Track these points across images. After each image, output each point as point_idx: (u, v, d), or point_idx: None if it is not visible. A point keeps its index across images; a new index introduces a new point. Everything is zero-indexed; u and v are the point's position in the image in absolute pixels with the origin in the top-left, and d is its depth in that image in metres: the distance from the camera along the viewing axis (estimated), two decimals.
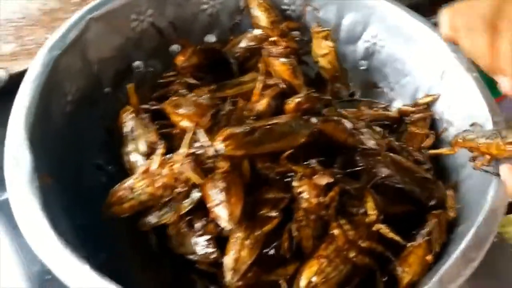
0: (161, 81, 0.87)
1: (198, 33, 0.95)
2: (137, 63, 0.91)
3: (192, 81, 0.85)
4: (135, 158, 0.76)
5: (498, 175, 0.67)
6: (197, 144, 0.69)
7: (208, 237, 0.69)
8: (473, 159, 0.71)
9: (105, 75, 0.86)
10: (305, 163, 0.71)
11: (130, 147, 0.77)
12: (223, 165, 0.66)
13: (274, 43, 0.86)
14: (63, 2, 1.10)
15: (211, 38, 0.96)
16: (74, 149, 0.78)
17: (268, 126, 0.70)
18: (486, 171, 0.69)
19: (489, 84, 0.78)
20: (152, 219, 0.71)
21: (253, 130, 0.68)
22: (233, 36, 0.93)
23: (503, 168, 0.66)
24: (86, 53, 0.82)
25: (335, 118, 0.77)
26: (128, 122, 0.79)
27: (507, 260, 0.86)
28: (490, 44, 0.64)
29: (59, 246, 0.59)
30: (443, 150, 0.79)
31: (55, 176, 0.70)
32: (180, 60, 0.87)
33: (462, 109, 0.82)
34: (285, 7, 0.95)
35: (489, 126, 0.75)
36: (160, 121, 0.79)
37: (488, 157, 0.69)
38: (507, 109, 0.85)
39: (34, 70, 0.74)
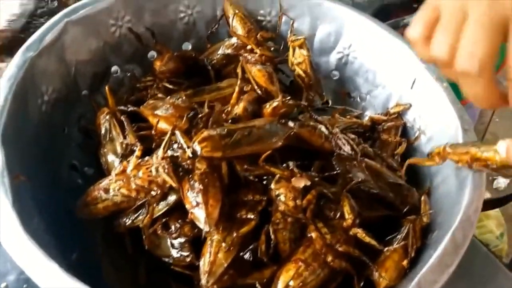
0: (138, 85, 0.83)
1: (176, 40, 0.91)
2: (115, 67, 0.87)
3: (169, 86, 0.81)
4: (112, 159, 0.72)
5: None
6: (175, 146, 0.64)
7: (183, 239, 0.66)
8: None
9: (82, 78, 0.82)
10: (283, 165, 0.68)
11: (107, 148, 0.74)
12: (201, 167, 0.62)
13: (251, 51, 0.83)
14: None
15: (188, 46, 0.92)
16: (49, 149, 0.74)
17: (245, 129, 0.66)
18: None
19: (454, 88, 0.75)
20: (127, 220, 0.67)
21: (231, 133, 0.65)
22: (210, 44, 0.90)
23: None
24: (64, 55, 0.78)
25: (312, 123, 0.74)
26: (105, 123, 0.75)
27: (482, 259, 0.83)
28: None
29: (29, 244, 0.55)
30: (424, 161, 0.75)
31: (29, 175, 0.65)
32: (157, 65, 0.84)
33: (433, 118, 0.80)
34: (261, 18, 0.92)
35: (459, 134, 0.72)
36: (138, 123, 0.75)
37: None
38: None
39: (9, 70, 0.70)
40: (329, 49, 0.92)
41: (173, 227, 0.66)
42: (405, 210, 0.73)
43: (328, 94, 0.95)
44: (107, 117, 0.75)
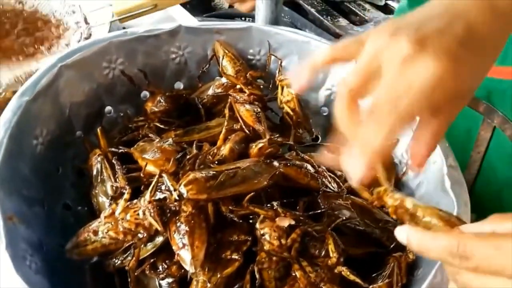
0: (131, 125, 0.84)
1: (169, 80, 0.92)
2: (108, 107, 0.88)
3: (160, 125, 0.82)
4: (103, 200, 0.73)
5: None
6: (162, 187, 0.64)
7: (171, 280, 0.66)
8: None
9: (76, 119, 0.83)
10: (268, 205, 0.68)
11: (98, 189, 0.74)
12: (186, 209, 0.62)
13: (240, 90, 0.83)
14: None
15: (180, 85, 0.93)
16: (44, 189, 0.75)
17: (230, 171, 0.67)
18: None
19: None
20: (117, 261, 0.67)
21: (216, 175, 0.65)
22: (201, 83, 0.90)
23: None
24: (58, 98, 0.79)
25: (297, 162, 0.74)
26: (97, 164, 0.75)
27: None
28: None
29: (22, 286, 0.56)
30: (363, 192, 0.74)
31: (22, 216, 0.66)
32: (148, 106, 0.84)
33: None
34: (250, 57, 0.92)
35: (444, 171, 0.72)
36: (129, 165, 0.75)
37: None
38: None
39: (5, 115, 0.72)
40: (318, 86, 0.92)
41: (160, 267, 0.66)
42: (391, 246, 0.72)
43: (318, 130, 0.95)
44: (99, 158, 0.75)
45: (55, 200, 0.77)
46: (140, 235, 0.62)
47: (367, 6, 1.82)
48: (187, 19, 1.27)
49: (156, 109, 0.83)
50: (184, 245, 0.61)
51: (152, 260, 0.66)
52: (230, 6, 1.82)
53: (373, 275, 0.69)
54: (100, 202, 0.73)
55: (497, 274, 0.45)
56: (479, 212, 1.04)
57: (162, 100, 0.83)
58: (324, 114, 0.94)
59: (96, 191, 0.74)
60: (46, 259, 0.66)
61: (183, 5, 1.27)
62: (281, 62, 0.89)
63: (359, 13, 1.79)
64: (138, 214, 0.62)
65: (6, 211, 0.63)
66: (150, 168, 0.69)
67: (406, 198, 0.66)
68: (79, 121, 0.83)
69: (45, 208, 0.74)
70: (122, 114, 0.87)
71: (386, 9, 1.83)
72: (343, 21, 1.74)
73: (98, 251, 0.66)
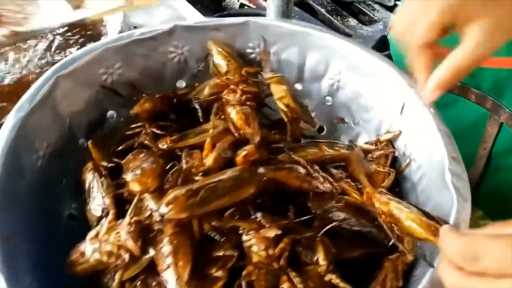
0: (127, 133, 0.83)
1: (170, 80, 0.91)
2: (111, 112, 0.87)
3: (157, 131, 0.80)
4: (95, 215, 0.72)
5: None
6: (146, 205, 0.64)
7: None
8: None
9: (78, 127, 0.82)
10: (252, 217, 0.66)
11: (90, 204, 0.74)
12: (169, 230, 0.61)
13: (233, 90, 0.81)
14: None
15: (182, 84, 0.92)
16: (46, 203, 0.75)
17: (211, 185, 0.65)
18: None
19: None
20: (107, 280, 0.67)
21: (197, 191, 0.64)
22: (198, 82, 0.89)
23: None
24: (57, 109, 0.78)
25: (287, 165, 0.72)
26: (89, 179, 0.75)
27: None
28: None
29: None
30: (351, 192, 0.73)
31: (23, 235, 0.67)
32: (134, 108, 0.84)
33: (422, 145, 0.76)
34: (250, 51, 0.90)
35: (445, 162, 0.69)
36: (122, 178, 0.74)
37: None
38: None
39: (2, 133, 0.71)
40: (320, 76, 0.89)
41: (152, 285, 0.65)
42: (389, 244, 0.70)
43: (323, 120, 0.93)
44: (91, 172, 0.75)
45: (60, 211, 0.78)
46: (123, 257, 0.62)
47: (376, 6, 1.85)
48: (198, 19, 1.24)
49: (139, 109, 0.82)
50: (168, 265, 0.60)
51: (142, 277, 0.66)
52: (241, 6, 1.82)
53: (367, 280, 0.67)
54: (92, 217, 0.73)
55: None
56: (488, 209, 1.01)
57: (147, 101, 0.83)
58: (328, 104, 0.91)
59: (89, 207, 0.73)
60: (47, 277, 0.67)
61: (194, 4, 1.26)
62: (267, 59, 0.87)
63: (368, 13, 1.83)
64: (120, 236, 0.62)
65: (4, 231, 0.63)
66: (133, 186, 0.68)
67: (391, 202, 0.65)
68: (81, 129, 0.82)
69: (48, 223, 0.74)
70: (122, 119, 0.87)
71: (395, 9, 1.82)
72: (352, 21, 1.78)
73: (87, 271, 0.66)
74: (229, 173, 0.67)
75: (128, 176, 0.68)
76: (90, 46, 0.84)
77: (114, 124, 0.87)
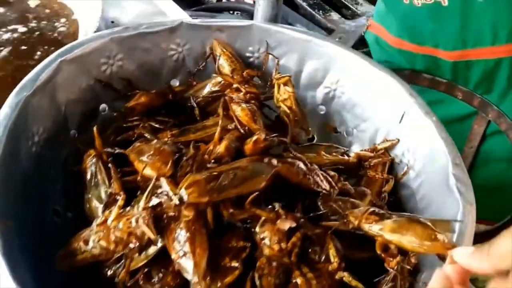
0: (125, 125, 0.80)
1: (165, 77, 0.88)
2: (103, 105, 0.84)
3: (155, 125, 0.78)
4: (96, 205, 0.68)
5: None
6: (159, 191, 0.61)
7: None
8: None
9: (71, 117, 0.79)
10: (269, 207, 0.64)
11: (91, 193, 0.69)
12: (188, 214, 0.58)
13: (236, 89, 0.80)
14: None
15: (176, 82, 0.90)
16: (36, 192, 0.70)
17: (230, 171, 0.63)
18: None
19: None
20: (109, 271, 0.63)
21: (216, 176, 0.62)
22: (195, 81, 0.87)
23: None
24: (56, 94, 0.75)
25: (289, 160, 0.71)
26: (91, 166, 0.71)
27: None
28: None
29: None
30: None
31: (15, 220, 0.62)
32: (130, 102, 0.82)
33: (422, 153, 0.76)
34: (249, 54, 0.89)
35: (449, 169, 0.69)
36: (123, 167, 0.71)
37: None
38: None
39: (3, 111, 0.67)
40: (316, 84, 0.89)
41: (156, 277, 0.61)
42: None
43: (314, 129, 0.92)
44: (94, 160, 0.71)
45: (46, 204, 0.73)
46: (131, 245, 0.58)
47: (359, 0, 1.76)
48: (179, 14, 1.22)
49: (134, 103, 0.81)
50: (185, 253, 0.57)
51: (146, 270, 0.62)
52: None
53: (376, 279, 0.65)
54: (93, 207, 0.68)
55: None
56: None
57: (142, 95, 0.81)
58: (321, 112, 0.91)
59: (89, 196, 0.69)
60: (39, 267, 0.62)
61: None
62: (278, 61, 0.86)
63: (351, 7, 1.73)
64: (131, 223, 0.58)
65: (1, 214, 0.59)
66: (147, 171, 0.65)
67: (384, 226, 0.63)
68: (74, 119, 0.79)
69: (37, 213, 0.69)
70: (115, 114, 0.83)
71: None
72: (334, 15, 1.69)
73: (87, 261, 0.62)
74: (246, 162, 0.66)
75: (141, 162, 0.65)
76: (97, 33, 0.82)
77: (105, 118, 0.84)
